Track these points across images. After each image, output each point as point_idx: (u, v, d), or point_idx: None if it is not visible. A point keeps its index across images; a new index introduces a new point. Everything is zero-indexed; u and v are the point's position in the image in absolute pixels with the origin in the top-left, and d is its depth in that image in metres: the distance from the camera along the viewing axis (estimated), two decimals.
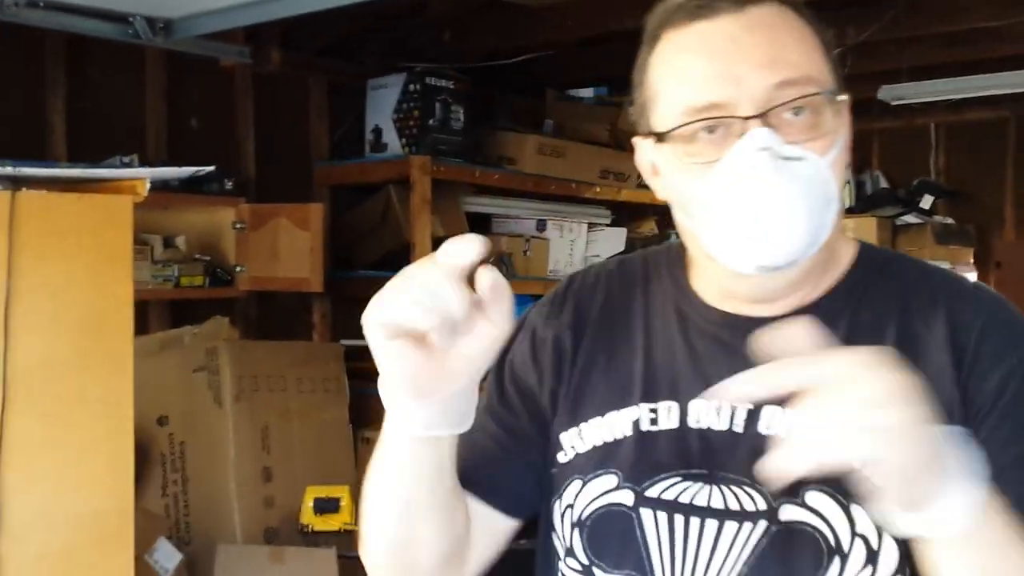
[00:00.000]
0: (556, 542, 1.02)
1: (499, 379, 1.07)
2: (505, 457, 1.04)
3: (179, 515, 2.97)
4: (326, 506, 2.67)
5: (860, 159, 5.15)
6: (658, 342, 1.01)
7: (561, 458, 1.02)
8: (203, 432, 3.00)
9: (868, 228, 4.73)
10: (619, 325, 1.04)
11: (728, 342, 0.97)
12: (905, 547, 0.88)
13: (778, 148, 0.88)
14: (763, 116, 0.88)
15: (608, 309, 1.05)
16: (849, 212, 4.70)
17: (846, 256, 1.00)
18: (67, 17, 2.77)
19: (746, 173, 0.88)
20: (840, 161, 0.92)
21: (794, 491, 0.91)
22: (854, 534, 0.90)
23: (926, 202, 5.02)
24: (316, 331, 3.65)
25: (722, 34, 0.90)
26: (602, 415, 1.01)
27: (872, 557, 0.89)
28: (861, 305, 0.97)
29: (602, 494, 0.98)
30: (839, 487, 0.89)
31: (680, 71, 0.92)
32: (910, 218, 5.00)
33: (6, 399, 1.84)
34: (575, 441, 1.02)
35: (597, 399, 1.02)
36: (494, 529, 1.04)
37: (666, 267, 1.06)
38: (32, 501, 1.89)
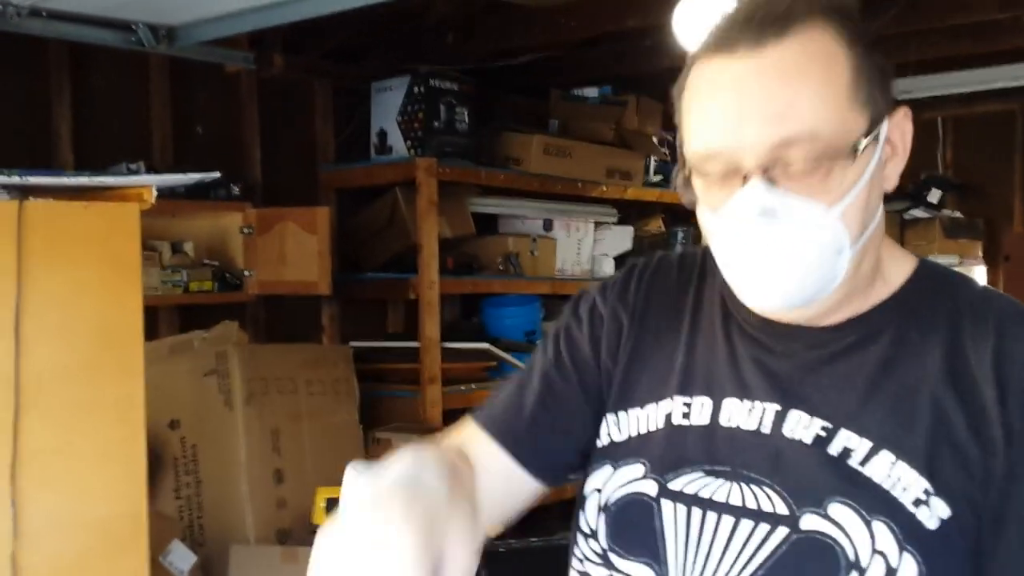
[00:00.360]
0: (583, 522, 1.03)
1: (555, 345, 1.08)
2: (548, 420, 1.04)
3: (192, 517, 2.99)
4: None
5: None
6: (702, 338, 1.03)
7: (596, 443, 1.04)
8: (214, 435, 3.01)
9: None
10: (669, 316, 1.06)
11: (766, 346, 0.99)
12: (925, 568, 0.87)
13: (775, 204, 0.87)
14: (763, 169, 0.87)
15: (662, 299, 1.07)
16: None
17: (900, 272, 0.99)
18: (70, 26, 2.78)
19: (738, 228, 0.89)
20: (859, 204, 0.90)
21: (817, 500, 0.90)
22: (874, 550, 0.88)
23: (934, 196, 4.99)
24: (325, 333, 3.65)
25: (735, 77, 0.88)
26: (641, 407, 1.02)
27: (890, 575, 0.87)
28: (909, 322, 0.95)
29: (628, 482, 1.00)
30: (862, 501, 0.89)
31: (694, 108, 0.92)
32: (918, 212, 4.98)
33: (19, 407, 1.85)
34: (612, 428, 1.04)
35: (639, 389, 1.03)
36: (520, 489, 1.05)
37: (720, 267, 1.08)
38: (46, 507, 1.90)
